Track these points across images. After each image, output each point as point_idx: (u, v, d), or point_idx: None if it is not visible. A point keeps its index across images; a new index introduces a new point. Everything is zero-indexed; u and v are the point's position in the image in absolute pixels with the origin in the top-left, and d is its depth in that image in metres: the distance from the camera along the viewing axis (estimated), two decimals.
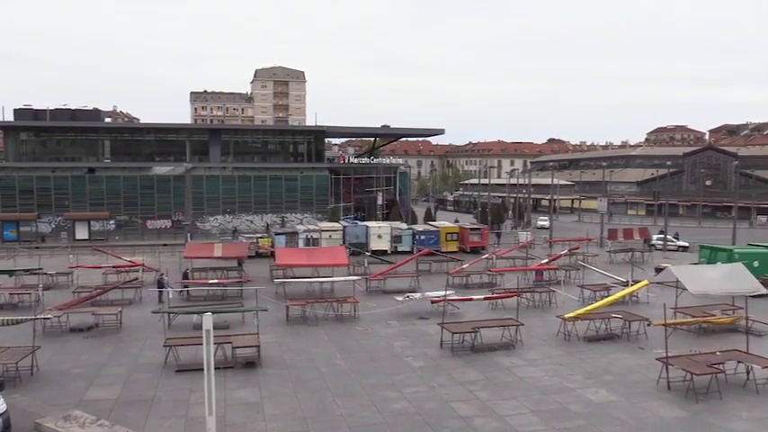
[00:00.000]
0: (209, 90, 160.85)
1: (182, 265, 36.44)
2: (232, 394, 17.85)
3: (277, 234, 48.58)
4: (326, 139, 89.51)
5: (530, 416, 16.43)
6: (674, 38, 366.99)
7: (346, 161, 72.41)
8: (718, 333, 25.44)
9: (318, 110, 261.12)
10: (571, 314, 25.10)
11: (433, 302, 28.11)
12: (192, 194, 54.80)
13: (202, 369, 13.14)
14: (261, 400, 17.43)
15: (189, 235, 51.58)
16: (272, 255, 38.52)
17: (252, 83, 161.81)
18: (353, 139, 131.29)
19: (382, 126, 78.10)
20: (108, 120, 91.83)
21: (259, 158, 71.20)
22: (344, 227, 50.96)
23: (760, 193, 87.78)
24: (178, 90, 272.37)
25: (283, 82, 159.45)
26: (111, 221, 59.90)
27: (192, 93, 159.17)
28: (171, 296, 28.89)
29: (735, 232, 53.09)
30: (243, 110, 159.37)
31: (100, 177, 60.21)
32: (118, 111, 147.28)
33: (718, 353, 20.26)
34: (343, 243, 46.58)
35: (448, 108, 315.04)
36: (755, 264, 33.41)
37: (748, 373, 19.12)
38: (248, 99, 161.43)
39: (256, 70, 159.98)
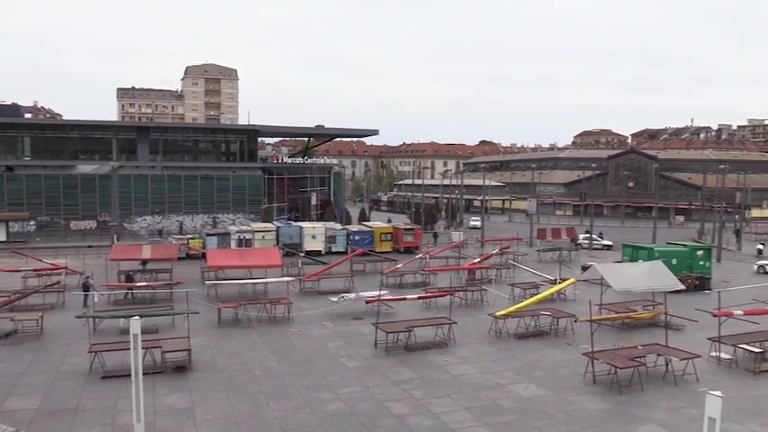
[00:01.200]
0: (137, 87, 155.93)
1: (107, 268, 35.24)
2: (162, 400, 17.36)
3: (208, 235, 47.58)
4: (260, 139, 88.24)
5: (463, 413, 16.71)
6: (598, 43, 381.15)
7: (280, 161, 71.66)
8: (639, 328, 26.61)
9: (251, 109, 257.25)
10: (502, 312, 25.67)
11: (367, 302, 28.17)
12: (119, 194, 52.93)
13: (130, 375, 12.72)
14: (192, 405, 17.02)
15: (115, 236, 49.85)
16: (204, 256, 37.71)
17: (182, 80, 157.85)
18: (287, 138, 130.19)
19: (316, 126, 77.67)
20: (28, 115, 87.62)
21: (190, 157, 69.47)
22: (278, 227, 50.43)
23: (678, 194, 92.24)
24: (104, 86, 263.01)
25: (215, 80, 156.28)
26: (32, 222, 57.13)
27: (119, 89, 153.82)
28: (96, 300, 27.84)
29: (655, 231, 55.62)
30: (173, 107, 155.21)
31: (19, 176, 57.34)
32: (39, 106, 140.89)
33: (639, 347, 21.20)
34: (277, 244, 46.06)
35: (382, 109, 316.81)
36: (674, 261, 35.11)
37: (667, 365, 20.11)
38: (178, 97, 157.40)
39: (187, 67, 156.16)
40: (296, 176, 69.16)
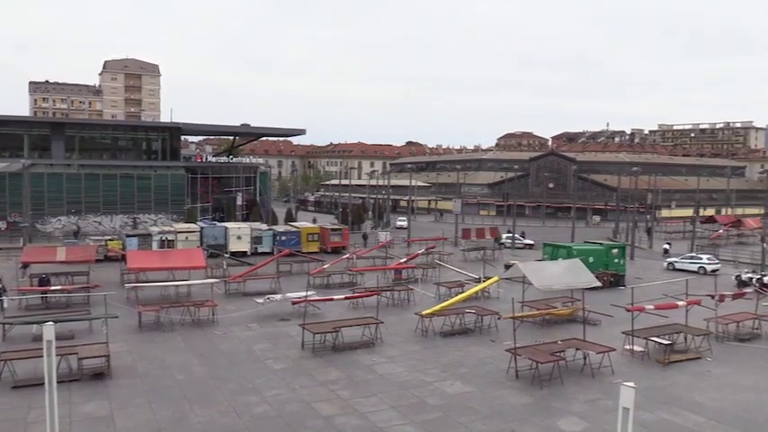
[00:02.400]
0: (51, 80, 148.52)
1: (18, 271, 33.44)
2: (78, 409, 16.63)
3: (128, 236, 45.94)
4: (183, 137, 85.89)
5: (390, 411, 16.85)
6: (520, 48, 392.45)
7: (204, 160, 69.92)
8: (559, 324, 27.59)
9: (174, 106, 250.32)
10: (428, 311, 26.04)
11: (294, 303, 27.96)
12: (31, 194, 50.27)
13: (43, 383, 12.13)
14: (111, 413, 16.40)
15: (27, 238, 47.36)
16: (123, 258, 36.36)
17: (101, 75, 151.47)
18: (212, 137, 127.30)
19: (242, 125, 76.28)
20: None
21: (108, 155, 66.88)
22: (202, 228, 49.26)
23: (595, 195, 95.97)
24: (15, 79, 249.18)
25: (136, 75, 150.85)
26: None
27: (31, 83, 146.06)
28: (6, 305, 26.36)
29: (573, 231, 57.74)
30: (90, 103, 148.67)
31: None
32: None
33: (559, 342, 22.01)
34: (201, 245, 44.99)
35: (309, 108, 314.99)
36: (591, 259, 36.53)
37: (585, 358, 20.96)
38: (96, 92, 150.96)
39: (106, 61, 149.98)
40: (221, 176, 67.75)
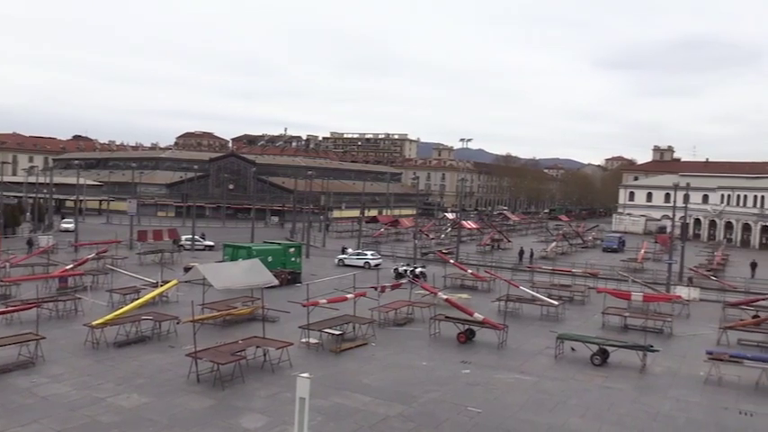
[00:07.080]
0: None
1: None
2: None
3: None
4: None
5: None
6: (197, 48, 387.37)
7: None
8: (240, 323, 27.98)
9: None
10: (99, 320, 24.11)
11: None
12: None
13: None
14: None
15: None
16: None
17: None
18: None
19: None
20: None
21: None
22: None
23: (273, 196, 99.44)
24: None
25: None
26: None
27: None
28: None
29: (253, 231, 59.04)
30: None
31: None
32: None
33: (240, 341, 22.33)
34: None
35: None
36: (270, 259, 37.87)
37: (265, 355, 21.69)
38: None
39: None
40: None
